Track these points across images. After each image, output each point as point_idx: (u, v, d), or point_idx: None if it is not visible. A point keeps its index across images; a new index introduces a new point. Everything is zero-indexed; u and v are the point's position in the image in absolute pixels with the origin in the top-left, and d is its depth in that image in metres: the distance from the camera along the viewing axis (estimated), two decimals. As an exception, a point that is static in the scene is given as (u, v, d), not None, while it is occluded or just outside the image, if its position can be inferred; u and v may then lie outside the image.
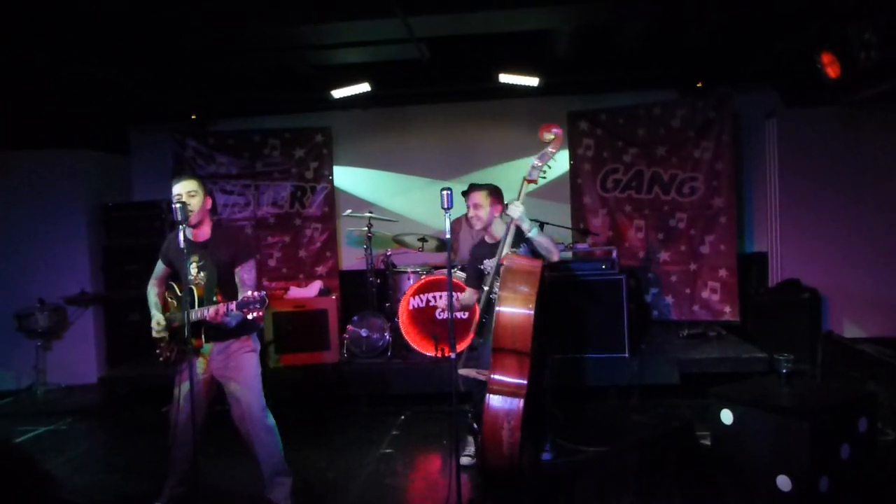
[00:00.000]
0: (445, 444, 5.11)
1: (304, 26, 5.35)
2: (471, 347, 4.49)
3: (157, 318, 3.97)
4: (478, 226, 4.47)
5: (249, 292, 3.53)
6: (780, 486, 3.53)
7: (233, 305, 3.53)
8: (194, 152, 7.89)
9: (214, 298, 3.76)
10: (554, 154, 4.17)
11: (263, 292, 3.48)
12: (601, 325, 5.98)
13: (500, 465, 4.00)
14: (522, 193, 4.14)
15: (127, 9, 4.93)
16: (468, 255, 4.78)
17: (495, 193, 4.47)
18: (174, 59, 6.19)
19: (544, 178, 4.21)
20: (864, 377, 4.97)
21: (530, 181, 4.16)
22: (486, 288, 4.29)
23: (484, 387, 4.04)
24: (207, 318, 3.62)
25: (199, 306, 3.69)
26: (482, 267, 4.45)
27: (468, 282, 4.69)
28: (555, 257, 4.25)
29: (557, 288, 6.00)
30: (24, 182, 7.26)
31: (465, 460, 4.63)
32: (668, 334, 6.90)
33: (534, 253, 4.25)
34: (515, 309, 3.94)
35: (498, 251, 4.17)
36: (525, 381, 3.97)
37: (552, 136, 4.19)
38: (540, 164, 4.13)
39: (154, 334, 3.96)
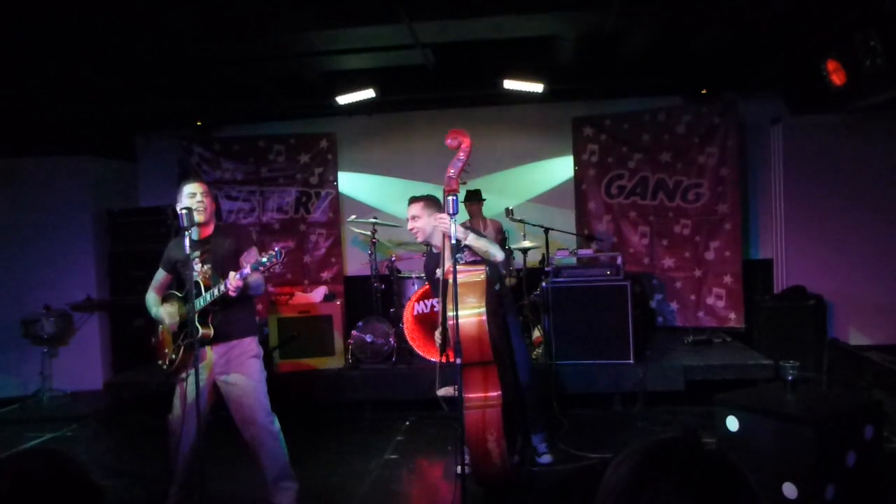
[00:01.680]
0: (450, 450, 5.10)
1: (311, 32, 5.38)
2: (440, 365, 4.43)
3: (167, 309, 3.97)
4: (419, 238, 4.44)
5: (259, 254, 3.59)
6: (785, 493, 3.52)
7: (246, 269, 3.54)
8: (200, 158, 7.93)
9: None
10: (465, 161, 4.07)
11: (276, 246, 3.50)
12: (605, 331, 5.97)
13: (495, 475, 4.03)
14: (450, 205, 4.04)
15: (133, 17, 4.96)
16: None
17: (432, 204, 4.41)
18: (180, 67, 6.23)
19: (464, 185, 4.13)
20: (870, 385, 4.96)
21: (450, 191, 3.99)
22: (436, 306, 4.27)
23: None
24: (229, 290, 3.59)
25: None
26: (437, 278, 4.38)
27: (435, 293, 4.67)
28: (498, 257, 4.21)
29: (562, 293, 6.01)
30: (30, 188, 7.29)
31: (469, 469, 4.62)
32: (673, 341, 6.88)
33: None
34: (466, 321, 3.95)
35: (440, 264, 4.14)
36: (497, 392, 4.01)
37: (457, 143, 4.09)
38: (454, 173, 4.02)
39: (167, 322, 3.95)
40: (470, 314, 3.97)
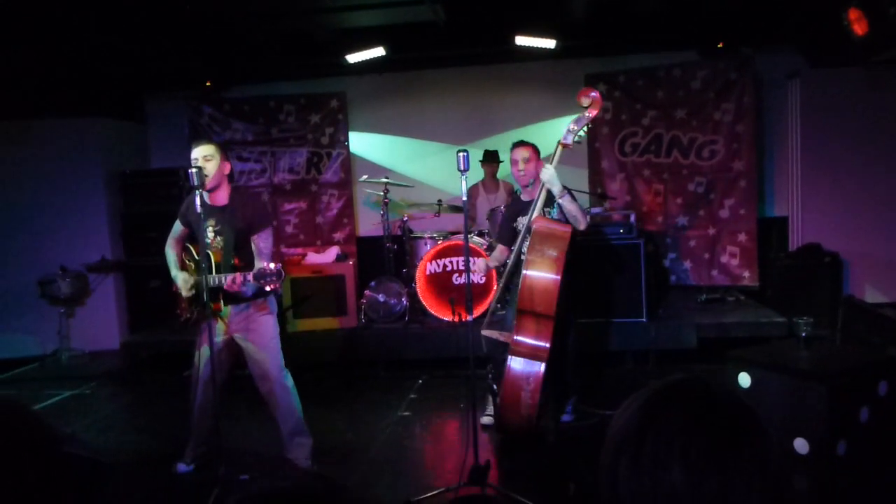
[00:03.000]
0: (462, 408, 5.16)
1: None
2: (492, 311, 4.50)
3: (184, 277, 3.97)
4: (524, 182, 4.48)
5: (265, 264, 3.55)
6: (797, 448, 3.53)
7: (250, 276, 3.56)
8: (210, 119, 7.88)
9: (232, 262, 3.78)
10: (591, 119, 4.18)
11: (279, 265, 3.51)
12: (619, 289, 5.97)
13: (518, 426, 4.05)
14: (556, 157, 4.17)
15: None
16: (486, 220, 4.78)
17: (537, 151, 4.52)
18: (189, 24, 6.15)
19: (579, 142, 4.24)
20: (885, 342, 4.92)
21: (565, 145, 4.17)
22: (514, 249, 4.30)
23: (506, 348, 4.07)
24: (225, 287, 3.65)
25: (216, 272, 3.72)
26: (515, 224, 4.46)
27: (500, 239, 4.70)
28: (582, 226, 4.24)
29: (574, 253, 5.98)
30: (42, 150, 7.30)
31: (485, 419, 4.68)
32: (687, 299, 6.86)
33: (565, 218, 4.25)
34: (542, 272, 3.97)
35: (530, 211, 4.18)
36: (547, 345, 3.99)
37: (590, 101, 4.19)
38: (576, 129, 4.18)
39: (184, 293, 3.95)
40: (547, 265, 3.98)
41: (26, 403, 1.19)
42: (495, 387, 4.31)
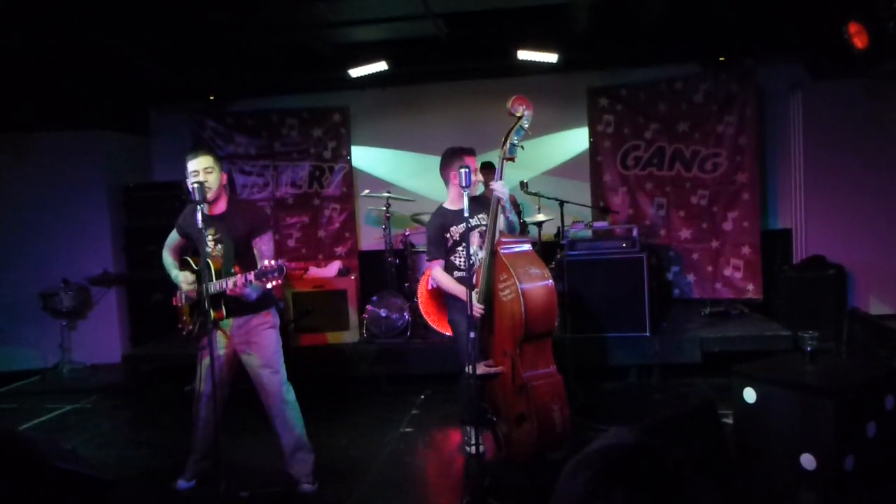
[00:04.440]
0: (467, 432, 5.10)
1: (321, 3, 5.31)
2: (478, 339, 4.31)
3: (185, 275, 3.92)
4: (474, 190, 4.07)
5: (266, 262, 3.52)
6: (804, 464, 3.49)
7: (251, 275, 3.53)
8: (213, 132, 7.91)
9: (232, 271, 3.76)
10: (526, 128, 4.02)
11: (281, 260, 3.48)
12: (622, 303, 5.93)
13: (553, 445, 4.00)
14: (503, 172, 4.03)
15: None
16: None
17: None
18: (192, 37, 6.17)
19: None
20: (891, 354, 4.89)
21: (509, 159, 4.02)
22: (464, 266, 4.11)
23: (494, 377, 4.03)
24: (227, 291, 3.63)
25: (217, 279, 3.70)
26: (447, 235, 4.24)
27: (436, 254, 4.31)
28: (517, 231, 4.28)
29: (577, 266, 5.97)
30: (46, 163, 7.32)
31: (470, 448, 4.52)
32: (690, 313, 6.83)
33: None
34: (540, 291, 3.92)
35: (488, 235, 3.99)
36: (552, 364, 4.00)
37: (523, 109, 4.00)
38: (518, 140, 4.00)
39: (185, 288, 3.91)
40: (538, 284, 3.92)
41: (18, 430, 1.17)
42: (495, 418, 4.18)
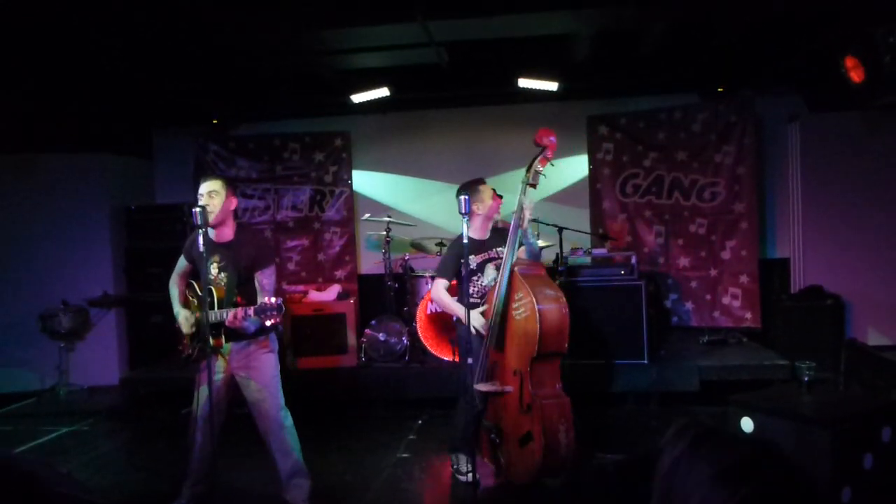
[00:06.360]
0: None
1: (326, 31, 5.38)
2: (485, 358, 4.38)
3: (185, 314, 3.98)
4: (485, 222, 4.43)
5: (266, 298, 3.55)
6: (801, 495, 3.48)
7: (251, 311, 3.56)
8: (215, 156, 7.97)
9: (234, 300, 3.78)
10: (551, 158, 4.22)
11: (280, 299, 3.51)
12: (620, 330, 5.94)
13: (554, 470, 4.00)
14: (528, 196, 4.16)
15: (150, 11, 4.98)
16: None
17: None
18: (196, 62, 6.25)
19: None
20: (889, 386, 4.88)
21: (532, 185, 4.16)
22: (478, 291, 4.34)
23: (498, 395, 4.05)
24: (227, 322, 3.65)
25: (218, 307, 3.72)
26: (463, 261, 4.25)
27: (443, 273, 4.47)
28: (536, 251, 4.42)
29: (576, 293, 5.98)
30: (48, 185, 7.36)
31: (463, 478, 4.50)
32: (688, 341, 6.83)
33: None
34: (555, 311, 3.97)
35: (505, 256, 4.12)
36: (559, 383, 4.06)
37: (547, 142, 4.23)
38: (542, 170, 4.19)
39: (185, 330, 3.97)
40: (554, 305, 3.98)
41: (14, 453, 1.19)
42: (499, 440, 4.19)
